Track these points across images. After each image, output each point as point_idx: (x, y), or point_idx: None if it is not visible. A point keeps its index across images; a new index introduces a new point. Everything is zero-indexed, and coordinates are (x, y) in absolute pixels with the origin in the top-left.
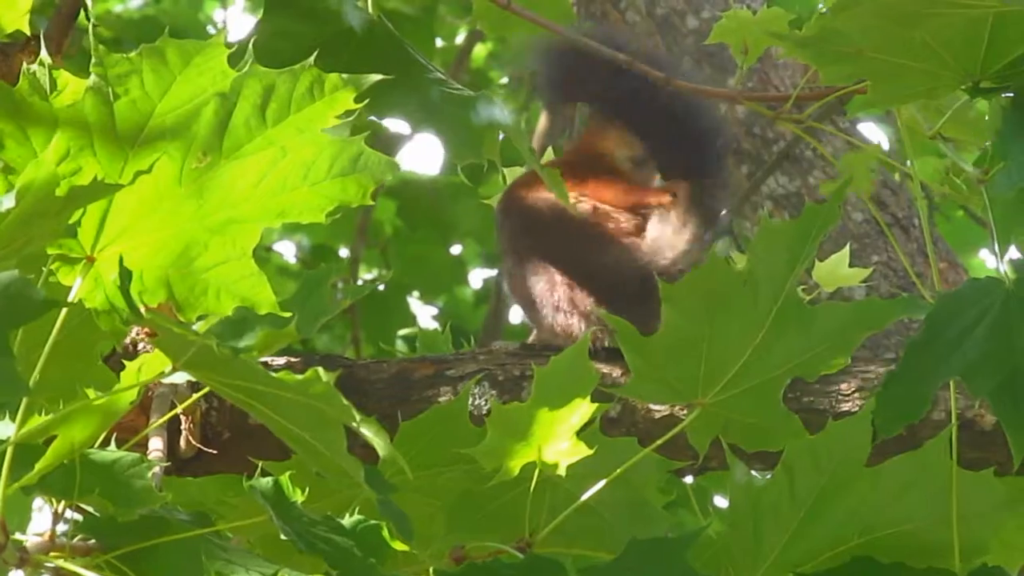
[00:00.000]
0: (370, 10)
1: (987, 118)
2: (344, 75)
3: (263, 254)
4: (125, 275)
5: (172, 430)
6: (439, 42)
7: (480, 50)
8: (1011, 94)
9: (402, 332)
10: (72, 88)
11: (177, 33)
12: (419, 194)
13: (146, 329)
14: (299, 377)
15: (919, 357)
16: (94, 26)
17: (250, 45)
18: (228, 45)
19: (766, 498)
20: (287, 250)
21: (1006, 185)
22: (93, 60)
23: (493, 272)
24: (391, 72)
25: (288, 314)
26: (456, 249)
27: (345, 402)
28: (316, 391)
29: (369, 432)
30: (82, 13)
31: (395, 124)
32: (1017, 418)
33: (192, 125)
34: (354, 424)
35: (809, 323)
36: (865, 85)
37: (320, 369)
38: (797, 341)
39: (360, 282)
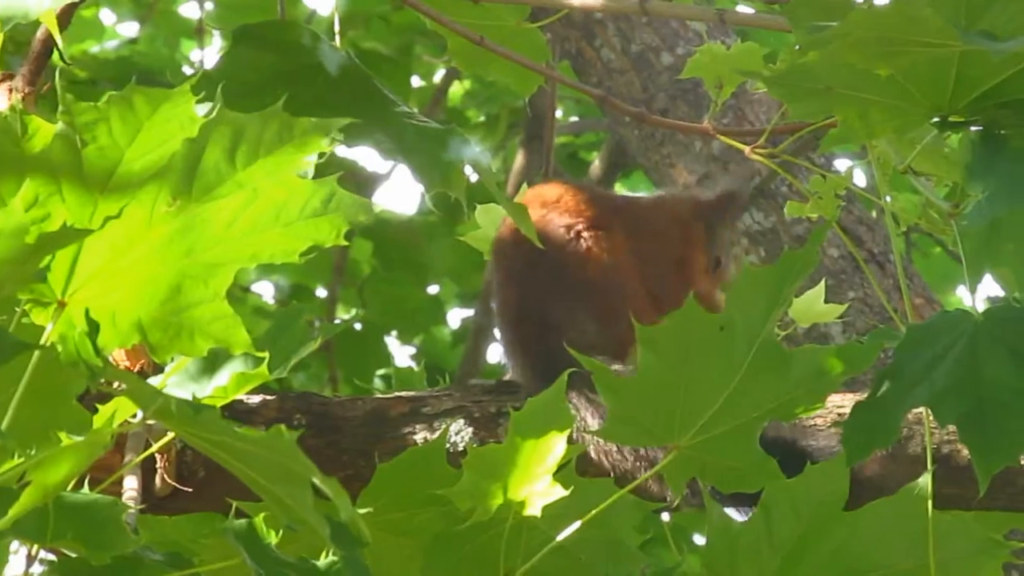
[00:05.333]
0: (336, 43)
1: (957, 152)
2: (314, 119)
3: (240, 294)
4: (93, 328)
5: (147, 468)
6: (417, 81)
7: (457, 89)
8: (979, 128)
9: (380, 372)
10: (42, 133)
11: (153, 73)
12: (395, 234)
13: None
14: (262, 433)
15: (887, 386)
16: (62, 69)
17: (219, 88)
18: (196, 86)
19: (744, 541)
20: (265, 291)
21: (976, 219)
22: (60, 108)
23: (470, 312)
24: (359, 104)
25: (263, 354)
26: (433, 289)
27: (307, 461)
28: (279, 447)
29: (330, 491)
30: (56, 53)
31: (372, 164)
32: (983, 446)
33: (161, 170)
34: (316, 481)
35: (786, 367)
36: (836, 119)
37: (283, 427)
38: (774, 385)
39: (337, 322)
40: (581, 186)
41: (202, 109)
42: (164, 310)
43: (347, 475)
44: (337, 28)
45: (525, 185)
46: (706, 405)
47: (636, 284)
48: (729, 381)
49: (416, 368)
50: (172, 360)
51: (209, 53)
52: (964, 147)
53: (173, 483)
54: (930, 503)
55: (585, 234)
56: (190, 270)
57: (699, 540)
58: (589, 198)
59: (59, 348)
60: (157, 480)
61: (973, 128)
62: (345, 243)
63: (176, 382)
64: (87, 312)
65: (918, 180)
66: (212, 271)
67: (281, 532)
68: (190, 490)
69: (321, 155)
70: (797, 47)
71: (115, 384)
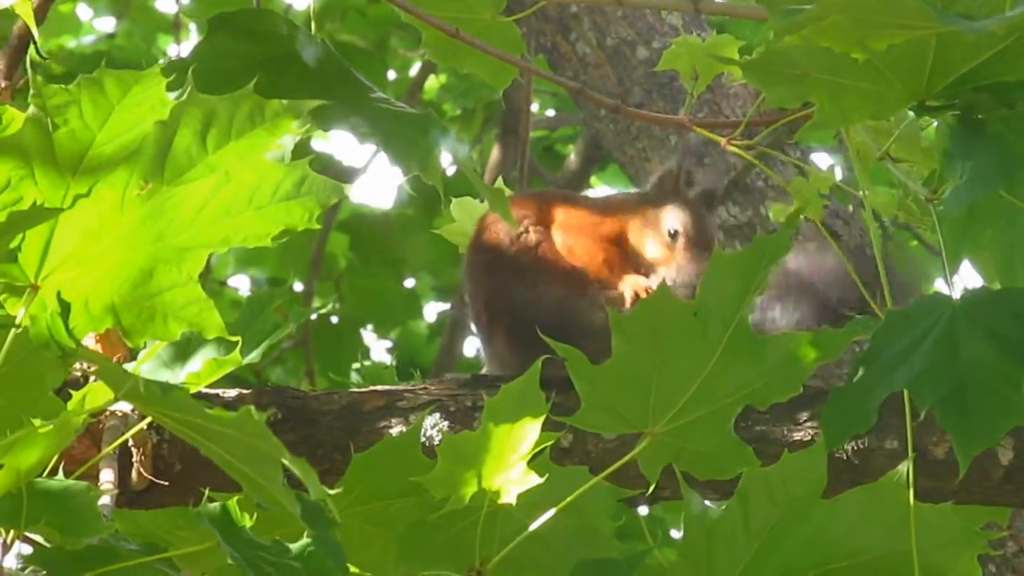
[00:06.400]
0: (312, 31)
1: (934, 141)
2: (285, 101)
3: (216, 288)
4: (65, 309)
5: (124, 463)
6: (393, 75)
7: (433, 82)
8: (956, 112)
9: (356, 366)
10: (16, 124)
11: (131, 68)
12: (372, 228)
13: None
14: (232, 414)
15: (865, 371)
16: (36, 59)
17: (190, 70)
18: (167, 68)
19: (720, 529)
20: (242, 284)
21: (954, 204)
22: (32, 91)
23: (447, 305)
24: (335, 91)
25: (235, 338)
26: (410, 283)
27: (276, 440)
28: (249, 428)
29: (299, 471)
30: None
31: (348, 158)
32: (964, 427)
33: (132, 153)
34: (285, 461)
35: (760, 352)
36: (812, 110)
37: (252, 408)
38: (748, 370)
39: (314, 316)
40: (527, 193)
41: (175, 95)
42: (137, 294)
43: (323, 469)
44: (312, 20)
45: (500, 179)
46: (680, 391)
47: (592, 265)
48: (703, 367)
49: (388, 364)
50: (145, 346)
51: (186, 47)
52: (941, 132)
53: (149, 477)
54: (911, 492)
55: (532, 228)
56: (162, 254)
57: (676, 535)
58: (532, 201)
59: (31, 331)
60: (133, 474)
61: (950, 113)
62: (317, 226)
63: (150, 369)
64: (59, 295)
65: (895, 167)
66: (184, 255)
67: (256, 518)
68: (166, 484)
69: (297, 141)
70: (773, 34)
71: (88, 367)
